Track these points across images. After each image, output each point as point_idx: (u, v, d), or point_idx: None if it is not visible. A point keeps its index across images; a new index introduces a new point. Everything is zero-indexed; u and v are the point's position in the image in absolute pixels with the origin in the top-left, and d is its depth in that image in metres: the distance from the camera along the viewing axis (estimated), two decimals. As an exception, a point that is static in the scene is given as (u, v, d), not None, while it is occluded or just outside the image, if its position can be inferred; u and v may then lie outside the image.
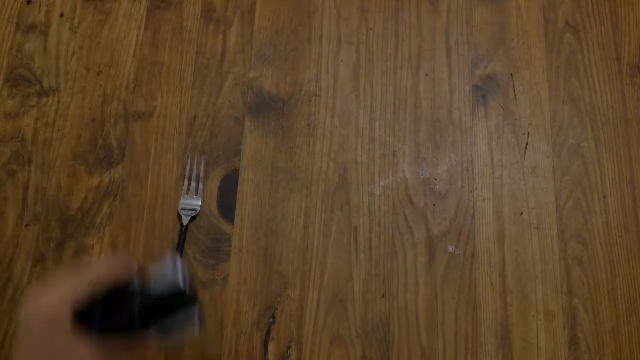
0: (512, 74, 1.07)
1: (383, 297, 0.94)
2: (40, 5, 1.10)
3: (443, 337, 0.92)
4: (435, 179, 1.00)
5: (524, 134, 1.04)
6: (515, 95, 1.06)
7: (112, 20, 1.09)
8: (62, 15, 1.09)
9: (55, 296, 0.67)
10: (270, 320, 0.93)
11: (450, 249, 0.97)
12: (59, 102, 1.04)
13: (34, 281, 0.94)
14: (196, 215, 0.98)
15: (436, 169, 1.00)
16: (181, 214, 0.98)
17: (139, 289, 0.69)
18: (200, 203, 0.98)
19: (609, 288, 0.95)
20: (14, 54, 1.06)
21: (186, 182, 0.99)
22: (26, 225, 0.97)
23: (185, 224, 0.97)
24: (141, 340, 0.69)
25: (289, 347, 0.91)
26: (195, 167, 1.00)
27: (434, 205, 0.99)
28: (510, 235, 0.98)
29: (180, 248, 0.95)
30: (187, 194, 0.99)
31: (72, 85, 1.05)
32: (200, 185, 0.99)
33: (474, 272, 0.95)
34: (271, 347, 0.91)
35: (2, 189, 0.99)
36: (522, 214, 0.99)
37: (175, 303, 0.70)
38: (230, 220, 0.98)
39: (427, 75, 1.07)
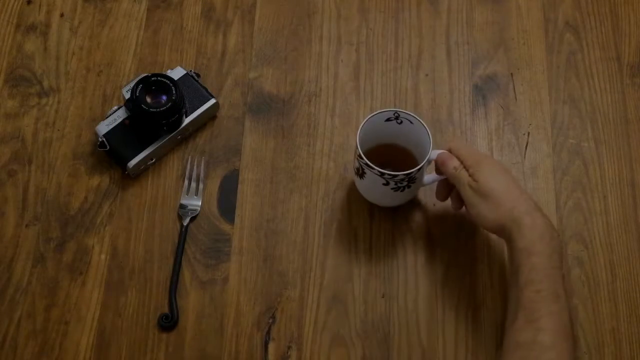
0: (512, 74, 1.07)
1: (383, 297, 0.94)
2: (40, 5, 1.10)
3: (443, 337, 0.92)
4: (435, 179, 1.00)
5: (524, 134, 1.03)
6: (515, 95, 1.06)
7: (112, 20, 1.09)
8: (62, 15, 1.09)
9: None
10: (270, 320, 0.93)
11: (451, 249, 0.97)
12: (59, 102, 1.04)
13: (33, 281, 0.94)
14: (196, 215, 0.98)
15: (436, 169, 1.00)
16: (181, 214, 0.98)
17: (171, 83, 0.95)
18: (200, 203, 0.98)
19: (609, 288, 0.95)
20: (14, 54, 1.06)
21: (186, 182, 0.99)
22: (26, 225, 0.97)
23: (185, 224, 0.97)
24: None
25: (289, 347, 0.91)
26: (195, 167, 1.00)
27: (434, 205, 0.99)
28: (510, 235, 0.97)
29: (180, 248, 0.95)
30: (187, 194, 0.99)
31: (72, 85, 1.05)
32: (200, 185, 0.99)
33: (474, 272, 0.95)
34: (271, 347, 0.91)
35: (2, 189, 0.99)
36: (522, 214, 0.98)
37: (199, 97, 1.01)
38: (230, 220, 0.98)
39: (427, 75, 1.07)
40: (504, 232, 0.84)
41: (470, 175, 0.86)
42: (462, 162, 0.88)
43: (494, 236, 0.97)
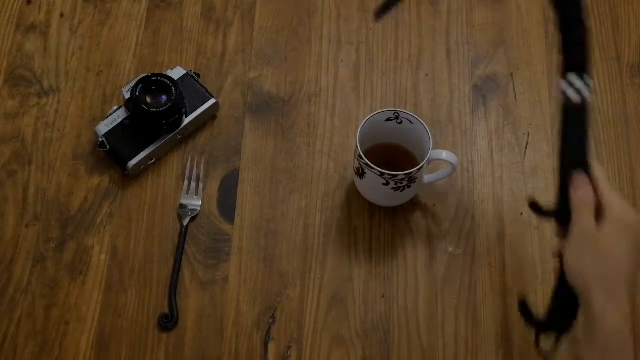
0: (512, 74, 1.07)
1: (383, 297, 0.94)
2: (40, 5, 1.10)
3: (443, 337, 0.92)
4: (435, 179, 1.00)
5: (524, 134, 1.03)
6: (515, 95, 1.06)
7: (112, 20, 1.09)
8: (62, 15, 1.09)
9: None
10: (270, 320, 0.93)
11: (450, 249, 0.97)
12: (59, 102, 1.04)
13: (33, 281, 0.94)
14: (196, 215, 0.98)
15: (436, 168, 1.00)
16: (181, 214, 0.98)
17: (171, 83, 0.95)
18: (200, 203, 0.98)
19: (609, 288, 0.95)
20: (14, 54, 1.06)
21: (186, 182, 0.99)
22: (26, 225, 0.97)
23: (185, 224, 0.97)
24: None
25: (289, 347, 0.91)
26: (195, 167, 1.00)
27: (434, 205, 0.99)
28: (510, 235, 0.97)
29: (180, 248, 0.95)
30: (187, 194, 0.99)
31: (72, 85, 1.05)
32: (200, 185, 0.99)
33: (474, 272, 0.95)
34: (271, 347, 0.91)
35: (2, 189, 0.99)
36: (522, 214, 0.99)
37: (199, 97, 1.01)
38: (230, 220, 0.98)
39: (427, 75, 1.07)
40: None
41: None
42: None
43: (492, 236, 0.97)
